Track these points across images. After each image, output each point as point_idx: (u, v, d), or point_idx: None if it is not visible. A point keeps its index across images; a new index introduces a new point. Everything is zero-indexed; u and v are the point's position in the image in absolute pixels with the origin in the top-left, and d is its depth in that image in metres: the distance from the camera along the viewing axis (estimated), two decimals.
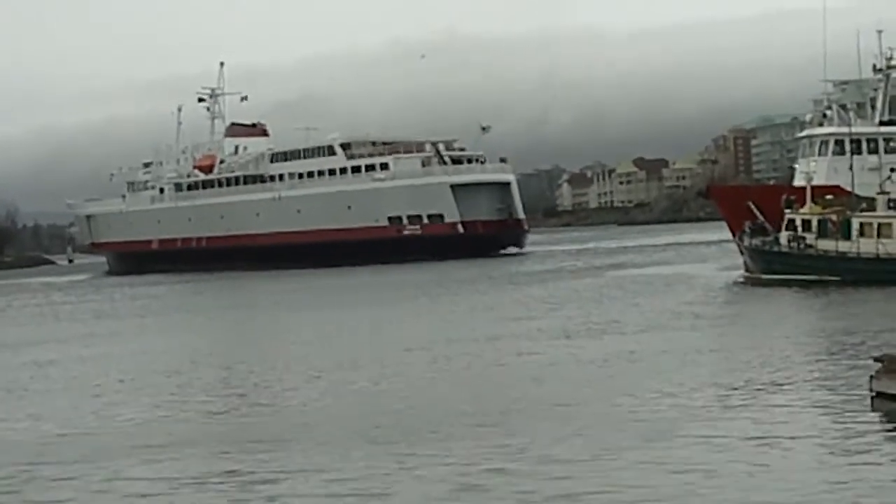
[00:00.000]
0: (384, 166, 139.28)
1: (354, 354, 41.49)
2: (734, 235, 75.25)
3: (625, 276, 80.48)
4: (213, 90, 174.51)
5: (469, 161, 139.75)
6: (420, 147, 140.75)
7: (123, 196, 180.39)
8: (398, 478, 21.61)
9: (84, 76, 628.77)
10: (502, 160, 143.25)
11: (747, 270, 70.62)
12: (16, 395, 36.59)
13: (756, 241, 68.90)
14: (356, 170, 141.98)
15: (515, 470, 21.58)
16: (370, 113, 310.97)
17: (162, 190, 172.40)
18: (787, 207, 67.03)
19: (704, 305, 53.93)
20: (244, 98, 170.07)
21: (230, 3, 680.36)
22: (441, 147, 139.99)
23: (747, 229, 70.32)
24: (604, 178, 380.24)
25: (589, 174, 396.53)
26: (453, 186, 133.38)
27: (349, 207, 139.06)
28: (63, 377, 40.63)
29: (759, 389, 29.20)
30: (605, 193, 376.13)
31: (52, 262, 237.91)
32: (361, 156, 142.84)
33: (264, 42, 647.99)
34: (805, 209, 65.97)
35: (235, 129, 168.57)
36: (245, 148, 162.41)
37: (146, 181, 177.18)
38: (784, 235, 66.21)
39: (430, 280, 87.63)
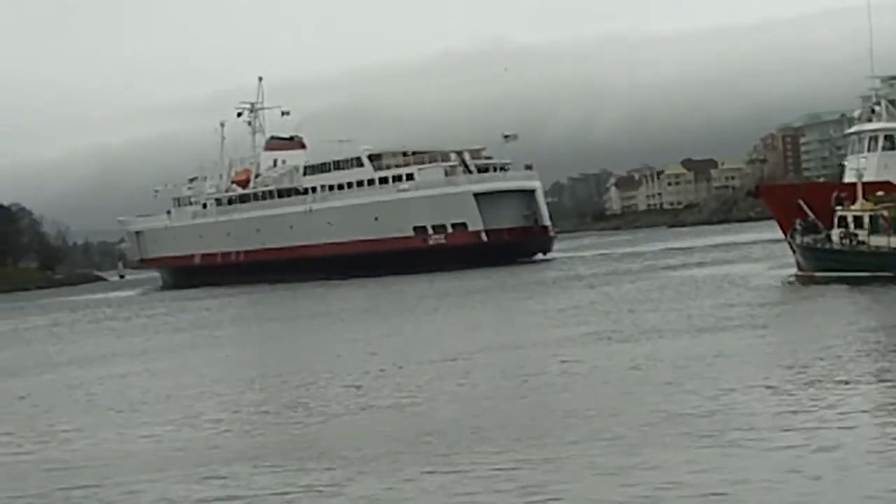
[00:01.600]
0: (409, 177, 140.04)
1: (400, 364, 41.27)
2: (785, 234, 74.55)
3: (677, 277, 79.92)
4: (252, 105, 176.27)
5: (495, 169, 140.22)
6: (445, 157, 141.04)
7: (168, 212, 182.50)
8: (446, 493, 21.34)
9: (133, 95, 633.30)
10: (528, 167, 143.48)
11: (800, 269, 69.91)
12: (82, 411, 36.78)
13: (808, 239, 68.24)
14: (383, 181, 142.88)
15: (568, 481, 21.27)
16: (418, 123, 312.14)
17: (205, 205, 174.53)
18: (838, 204, 66.35)
19: (758, 306, 53.22)
20: (285, 113, 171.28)
21: (276, 18, 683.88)
22: (466, 156, 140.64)
23: (798, 227, 69.66)
24: (652, 181, 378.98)
25: (637, 177, 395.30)
26: (476, 195, 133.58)
27: (376, 218, 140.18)
28: (130, 392, 40.76)
29: (814, 390, 28.61)
30: (654, 195, 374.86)
31: (103, 279, 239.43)
32: (388, 167, 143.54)
33: (312, 55, 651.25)
34: (856, 206, 65.28)
35: (273, 143, 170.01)
36: (283, 161, 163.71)
37: (189, 196, 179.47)
38: (835, 233, 65.56)
39: (469, 288, 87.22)
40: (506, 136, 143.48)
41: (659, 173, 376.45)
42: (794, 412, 26.08)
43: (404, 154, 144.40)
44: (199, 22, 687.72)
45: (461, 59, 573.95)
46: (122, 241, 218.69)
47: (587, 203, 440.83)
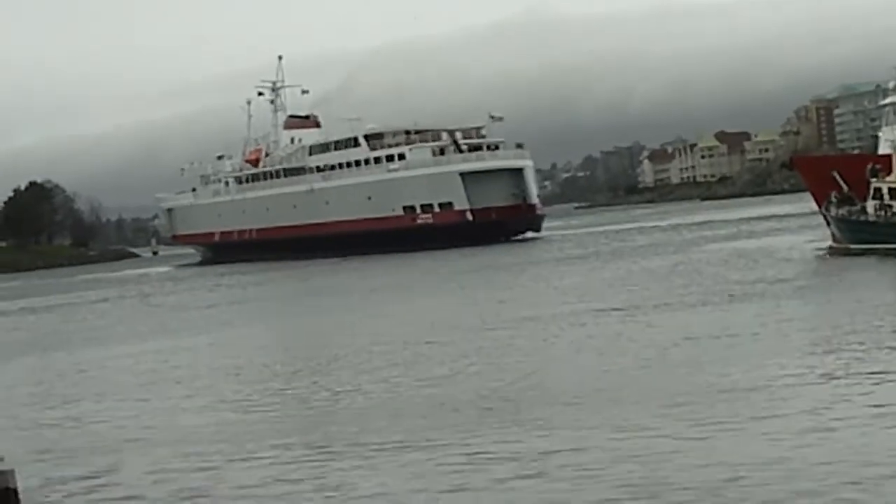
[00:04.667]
0: (401, 157, 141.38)
1: (430, 338, 41.33)
2: (820, 206, 73.82)
3: (713, 249, 79.45)
4: (273, 83, 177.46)
5: (489, 148, 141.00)
6: (437, 136, 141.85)
7: (194, 189, 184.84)
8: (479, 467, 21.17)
9: (175, 73, 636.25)
10: (519, 146, 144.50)
11: (835, 241, 69.32)
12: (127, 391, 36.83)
13: (843, 211, 67.59)
14: (378, 161, 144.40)
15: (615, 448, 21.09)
16: (457, 95, 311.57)
17: (227, 183, 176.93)
18: (873, 176, 65.67)
19: (795, 278, 52.93)
20: (305, 91, 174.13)
21: None
22: (458, 135, 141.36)
23: (833, 199, 68.98)
24: (685, 153, 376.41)
25: (670, 150, 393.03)
26: (463, 174, 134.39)
27: (369, 198, 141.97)
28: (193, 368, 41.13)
29: (852, 360, 28.48)
30: (687, 168, 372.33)
31: (137, 255, 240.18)
32: (383, 147, 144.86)
33: (353, 29, 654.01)
34: (891, 177, 64.58)
35: (291, 122, 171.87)
36: (300, 140, 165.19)
37: (211, 175, 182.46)
38: (870, 204, 64.89)
39: (479, 266, 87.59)
40: (492, 117, 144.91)
41: (692, 146, 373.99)
42: (832, 384, 25.89)
43: (407, 133, 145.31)
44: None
45: (502, 30, 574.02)
46: (155, 217, 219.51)
47: (620, 176, 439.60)
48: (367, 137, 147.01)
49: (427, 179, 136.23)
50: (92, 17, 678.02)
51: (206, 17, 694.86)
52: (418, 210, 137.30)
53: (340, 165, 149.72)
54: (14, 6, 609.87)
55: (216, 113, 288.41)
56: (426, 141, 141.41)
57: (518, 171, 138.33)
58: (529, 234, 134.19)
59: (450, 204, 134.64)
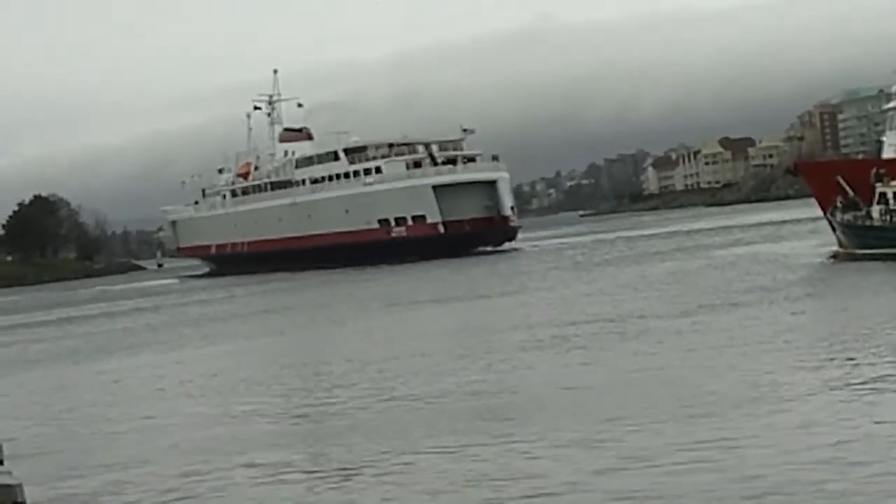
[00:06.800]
0: (378, 170, 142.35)
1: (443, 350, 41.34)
2: (825, 212, 73.78)
3: (717, 256, 79.41)
4: (269, 97, 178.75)
5: (464, 160, 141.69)
6: (414, 149, 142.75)
7: (196, 202, 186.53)
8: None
9: (182, 83, 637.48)
10: (494, 158, 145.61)
11: (840, 246, 69.26)
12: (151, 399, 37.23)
13: (848, 217, 67.53)
14: (357, 174, 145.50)
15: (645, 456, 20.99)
16: (464, 105, 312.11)
17: (224, 196, 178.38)
18: (878, 181, 65.66)
19: (801, 284, 52.85)
20: (300, 105, 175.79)
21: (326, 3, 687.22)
22: (434, 148, 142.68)
23: (839, 205, 68.93)
24: (689, 160, 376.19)
25: (674, 156, 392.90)
26: (435, 187, 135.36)
27: (347, 211, 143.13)
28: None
29: (858, 367, 28.43)
30: (691, 175, 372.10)
31: (142, 268, 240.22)
32: (362, 160, 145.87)
33: (356, 39, 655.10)
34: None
35: (285, 135, 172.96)
36: (293, 152, 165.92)
37: (208, 188, 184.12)
38: (876, 209, 64.85)
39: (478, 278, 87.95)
40: (464, 130, 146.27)
41: (696, 153, 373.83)
42: (836, 390, 25.88)
43: (390, 146, 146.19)
44: (248, 6, 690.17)
45: (510, 39, 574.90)
46: (160, 229, 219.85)
47: (625, 184, 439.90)
48: (347, 151, 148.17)
49: (401, 193, 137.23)
50: (97, 27, 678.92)
51: (212, 27, 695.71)
52: (392, 223, 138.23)
53: (323, 179, 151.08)
54: (16, 18, 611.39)
55: (223, 124, 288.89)
56: (404, 154, 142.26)
57: (492, 184, 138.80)
58: (507, 246, 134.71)
59: (423, 217, 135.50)
